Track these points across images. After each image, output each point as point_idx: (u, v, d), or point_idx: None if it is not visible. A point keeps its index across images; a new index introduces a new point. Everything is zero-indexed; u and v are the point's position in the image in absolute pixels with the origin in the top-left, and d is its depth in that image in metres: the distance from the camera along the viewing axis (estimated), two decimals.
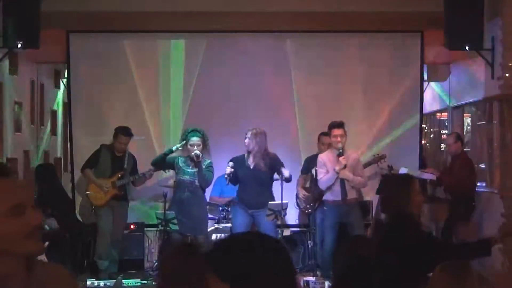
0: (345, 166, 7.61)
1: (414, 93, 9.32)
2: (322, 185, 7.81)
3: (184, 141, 7.91)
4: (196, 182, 7.79)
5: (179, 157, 7.88)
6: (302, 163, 8.74)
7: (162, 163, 8.03)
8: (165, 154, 8.00)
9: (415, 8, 8.94)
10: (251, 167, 7.79)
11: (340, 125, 7.73)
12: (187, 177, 7.80)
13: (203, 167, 7.81)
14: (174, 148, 7.99)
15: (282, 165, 7.85)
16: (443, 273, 2.56)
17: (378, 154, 8.48)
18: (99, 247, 8.34)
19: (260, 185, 7.77)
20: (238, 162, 7.82)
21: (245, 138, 7.83)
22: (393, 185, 4.27)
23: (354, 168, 7.82)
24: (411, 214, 4.09)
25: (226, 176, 7.72)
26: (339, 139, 7.69)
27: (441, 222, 8.85)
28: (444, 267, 2.63)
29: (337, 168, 7.61)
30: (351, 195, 7.80)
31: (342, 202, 7.69)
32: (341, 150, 7.67)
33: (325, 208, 7.86)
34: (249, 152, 7.84)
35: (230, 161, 7.98)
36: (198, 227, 7.78)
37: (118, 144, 8.40)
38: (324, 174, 7.76)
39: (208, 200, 8.82)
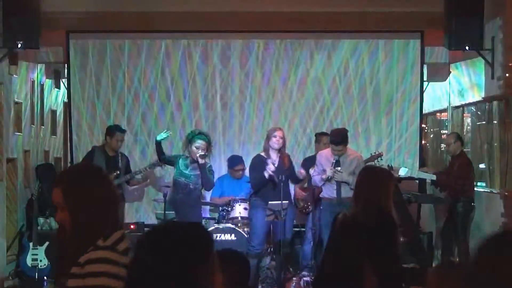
0: (329, 178, 7.59)
1: (414, 93, 9.32)
2: (313, 182, 7.92)
3: (168, 131, 7.97)
4: (191, 185, 7.72)
5: (181, 158, 7.84)
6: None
7: (163, 156, 8.03)
8: (158, 147, 8.00)
9: (415, 8, 8.94)
10: (276, 165, 7.75)
11: (340, 142, 7.70)
12: (182, 179, 7.74)
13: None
14: (158, 138, 7.98)
15: (293, 166, 7.98)
16: (440, 273, 2.55)
17: (375, 152, 8.47)
18: None
19: (284, 184, 7.71)
20: (262, 163, 7.70)
21: (273, 136, 7.72)
22: (376, 178, 4.18)
23: (355, 169, 7.80)
24: (390, 211, 4.06)
25: (271, 173, 7.57)
26: (336, 152, 7.70)
27: (441, 222, 8.84)
28: (440, 267, 2.62)
29: (324, 176, 7.62)
30: (347, 194, 7.79)
31: (336, 200, 7.67)
32: (335, 160, 7.65)
33: (321, 207, 7.85)
34: (268, 152, 7.75)
35: (231, 160, 7.97)
36: None
37: (114, 141, 8.43)
38: (317, 173, 7.78)
39: (208, 200, 8.83)
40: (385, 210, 4.08)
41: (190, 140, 7.70)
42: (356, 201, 4.12)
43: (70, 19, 8.96)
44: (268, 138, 7.77)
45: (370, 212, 4.00)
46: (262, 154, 7.82)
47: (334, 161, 7.61)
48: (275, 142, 7.68)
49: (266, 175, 7.57)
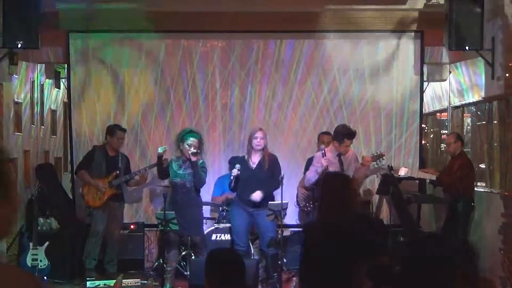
0: (326, 167, 7.53)
1: (414, 93, 9.32)
2: (306, 181, 7.76)
3: (163, 149, 7.95)
4: (188, 184, 7.72)
5: (173, 160, 7.85)
6: (302, 163, 8.73)
7: (163, 170, 7.97)
8: (160, 161, 7.96)
9: (415, 8, 8.95)
10: (254, 167, 7.77)
11: (354, 136, 7.72)
12: (178, 180, 7.74)
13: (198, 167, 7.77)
14: (160, 150, 7.97)
15: (279, 169, 7.84)
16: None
17: (377, 152, 8.47)
18: (88, 246, 8.35)
19: (261, 185, 7.75)
20: (240, 163, 7.79)
21: (254, 138, 7.76)
22: (347, 183, 4.19)
23: (354, 164, 7.80)
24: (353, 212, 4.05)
25: (232, 177, 7.69)
26: (348, 148, 7.69)
27: (441, 222, 8.84)
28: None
29: (319, 170, 7.54)
30: None
31: None
32: (323, 151, 7.62)
33: None
34: (250, 152, 7.81)
35: (232, 162, 8.00)
36: (193, 228, 7.76)
37: (115, 140, 8.45)
38: (313, 172, 7.74)
39: (210, 200, 8.83)
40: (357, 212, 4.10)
41: (181, 138, 7.71)
42: (330, 208, 4.09)
43: (70, 19, 8.96)
44: (249, 139, 7.80)
45: (351, 217, 4.02)
46: (246, 156, 7.86)
47: (323, 151, 7.57)
48: (256, 144, 7.71)
49: (232, 176, 7.72)
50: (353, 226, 3.90)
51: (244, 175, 7.73)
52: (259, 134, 7.77)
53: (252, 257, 7.91)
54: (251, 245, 8.10)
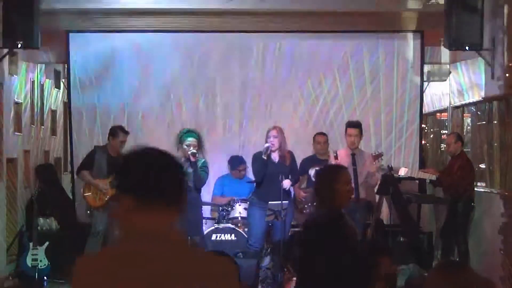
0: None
1: (414, 93, 9.33)
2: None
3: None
4: (189, 183, 7.73)
5: None
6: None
7: None
8: None
9: (415, 8, 8.94)
10: (276, 162, 7.73)
11: (356, 125, 7.76)
12: None
13: (198, 166, 7.78)
14: None
15: (297, 165, 7.88)
16: (439, 272, 2.54)
17: (375, 152, 8.47)
18: (88, 246, 8.34)
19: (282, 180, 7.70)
20: (262, 158, 7.71)
21: (268, 137, 7.72)
22: (318, 178, 4.17)
23: (369, 165, 7.79)
24: (335, 208, 4.00)
25: (264, 149, 7.57)
26: (353, 138, 7.69)
27: (441, 222, 8.85)
28: (441, 266, 2.62)
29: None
30: (362, 194, 7.79)
31: (354, 201, 7.51)
32: (335, 154, 7.65)
33: None
34: (270, 150, 7.74)
35: (232, 162, 7.98)
36: (193, 228, 7.75)
37: (117, 142, 8.38)
38: None
39: (210, 200, 8.84)
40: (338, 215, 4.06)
41: (180, 139, 7.72)
42: (324, 202, 4.07)
43: (70, 19, 8.96)
44: (266, 139, 7.78)
45: (339, 212, 4.01)
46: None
47: (335, 154, 7.61)
48: (271, 144, 7.69)
49: (264, 148, 7.59)
50: (324, 221, 3.88)
51: (267, 170, 7.68)
52: (272, 133, 7.70)
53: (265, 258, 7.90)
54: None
